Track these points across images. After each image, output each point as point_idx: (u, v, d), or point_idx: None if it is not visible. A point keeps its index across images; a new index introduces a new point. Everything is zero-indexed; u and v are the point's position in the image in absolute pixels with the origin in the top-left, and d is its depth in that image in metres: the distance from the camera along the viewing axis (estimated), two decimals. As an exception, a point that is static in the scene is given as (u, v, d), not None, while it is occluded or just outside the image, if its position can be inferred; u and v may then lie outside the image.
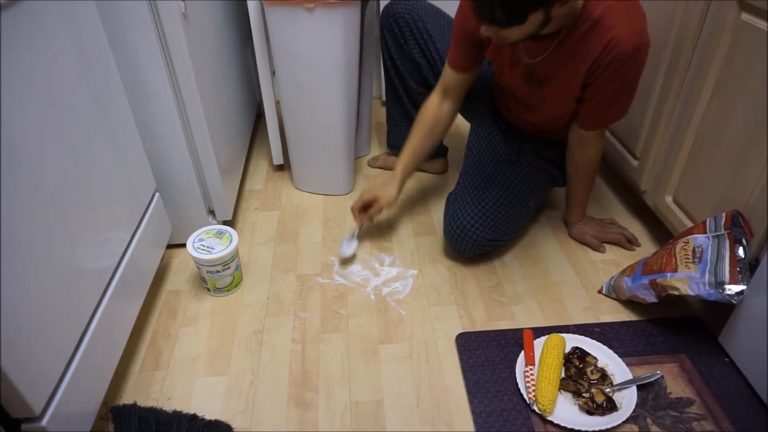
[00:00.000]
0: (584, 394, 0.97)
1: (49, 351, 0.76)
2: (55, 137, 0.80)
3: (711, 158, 1.09)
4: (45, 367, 0.75)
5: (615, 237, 1.36)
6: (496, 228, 1.24)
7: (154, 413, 0.94)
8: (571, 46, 1.05)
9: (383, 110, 1.65)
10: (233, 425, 0.96)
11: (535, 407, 0.95)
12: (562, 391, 0.99)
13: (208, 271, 1.18)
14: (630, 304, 1.19)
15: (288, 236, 1.43)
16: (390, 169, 1.69)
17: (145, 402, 0.99)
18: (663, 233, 1.33)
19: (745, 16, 0.97)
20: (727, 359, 1.04)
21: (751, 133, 0.98)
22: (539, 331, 1.10)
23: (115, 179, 0.99)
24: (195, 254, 1.16)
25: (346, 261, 1.32)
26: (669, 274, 1.05)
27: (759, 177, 0.97)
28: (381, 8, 1.49)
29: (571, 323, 1.14)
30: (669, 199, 1.24)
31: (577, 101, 1.15)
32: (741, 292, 0.96)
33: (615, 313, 1.17)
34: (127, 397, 1.01)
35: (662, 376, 1.01)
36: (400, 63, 1.46)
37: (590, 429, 0.92)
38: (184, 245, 1.20)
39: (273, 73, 1.47)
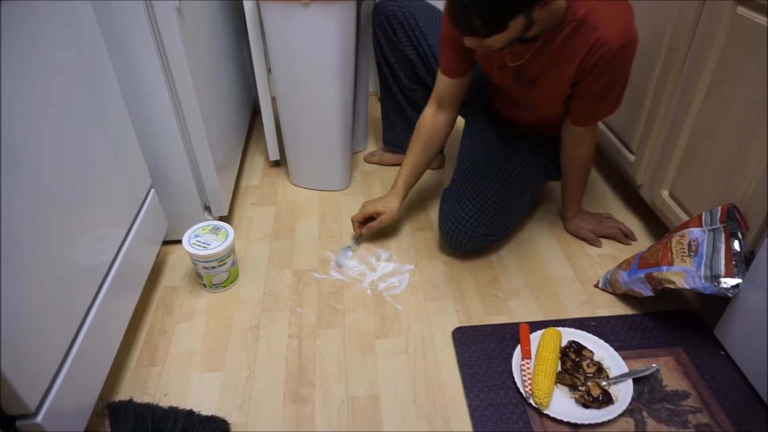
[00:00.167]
0: (580, 388, 0.97)
1: (44, 347, 0.76)
2: (52, 135, 0.80)
3: (707, 152, 1.09)
4: (40, 363, 0.74)
5: (611, 231, 1.36)
6: (491, 223, 1.24)
7: (151, 409, 0.94)
8: (557, 47, 1.05)
9: (380, 106, 1.64)
10: (230, 421, 0.96)
11: (531, 401, 0.96)
12: (558, 384, 0.99)
13: (204, 267, 1.18)
14: (626, 298, 1.19)
15: (284, 232, 1.43)
16: (386, 165, 1.69)
17: (141, 398, 0.99)
18: (659, 227, 1.33)
19: (741, 10, 0.97)
20: (723, 352, 1.04)
21: (747, 127, 0.98)
22: (535, 326, 1.10)
23: (110, 175, 0.99)
24: (191, 250, 1.16)
25: (341, 267, 1.31)
26: (665, 268, 1.05)
27: (755, 170, 0.97)
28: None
29: (567, 317, 1.15)
30: (665, 194, 1.24)
31: (568, 99, 1.15)
32: (736, 286, 0.96)
33: (611, 307, 1.18)
34: (123, 394, 1.01)
35: (658, 370, 1.01)
36: (393, 61, 1.45)
37: (586, 422, 0.92)
38: (180, 241, 1.19)
39: (269, 70, 1.46)
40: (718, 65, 1.04)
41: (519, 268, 1.28)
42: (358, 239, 1.36)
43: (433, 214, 1.47)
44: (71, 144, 0.85)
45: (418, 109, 1.34)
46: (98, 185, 0.94)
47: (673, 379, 1.00)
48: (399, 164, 1.36)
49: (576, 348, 1.04)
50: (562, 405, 0.96)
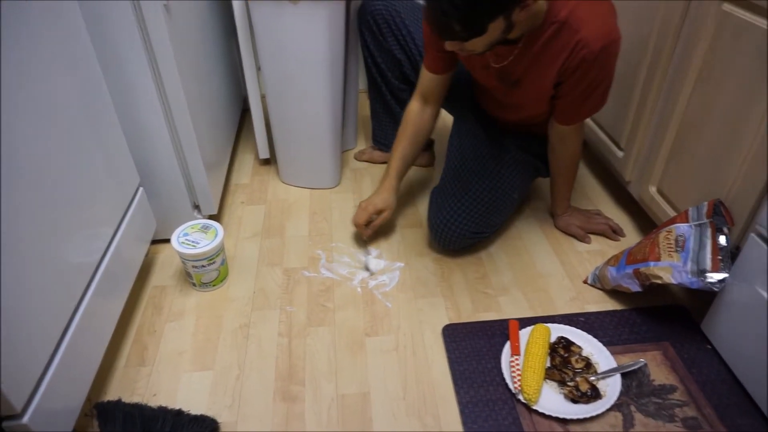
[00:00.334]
0: (569, 383, 0.98)
1: (31, 347, 0.75)
2: (39, 134, 0.80)
3: (693, 149, 1.10)
4: (26, 363, 0.74)
5: (600, 227, 1.37)
6: (480, 221, 1.24)
7: (139, 409, 0.94)
8: (539, 49, 1.05)
9: (369, 104, 1.64)
10: (219, 420, 0.95)
11: (520, 397, 0.96)
12: (547, 380, 0.99)
13: (193, 266, 1.18)
14: (615, 293, 1.20)
15: (274, 230, 1.42)
16: (376, 163, 1.69)
17: (130, 398, 0.99)
18: (647, 223, 1.34)
19: (727, 6, 0.98)
20: (709, 346, 1.05)
21: (733, 123, 0.99)
22: (525, 322, 1.11)
23: (98, 174, 0.98)
24: (180, 249, 1.15)
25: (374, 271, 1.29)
26: (652, 263, 1.06)
27: (740, 166, 0.98)
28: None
29: (556, 313, 1.15)
30: (653, 190, 1.25)
31: (553, 99, 1.16)
32: (722, 280, 0.97)
33: (600, 303, 1.18)
34: (111, 394, 1.01)
35: (646, 364, 1.02)
36: (380, 60, 1.45)
37: (575, 417, 0.93)
38: (169, 240, 1.19)
39: (258, 68, 1.46)
40: (704, 62, 1.05)
41: (508, 265, 1.29)
42: (368, 242, 1.35)
43: (423, 211, 1.47)
44: (58, 143, 0.85)
45: (407, 108, 1.34)
46: (85, 184, 0.93)
47: (660, 374, 1.01)
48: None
49: (565, 344, 1.05)
50: (551, 400, 0.96)
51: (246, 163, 1.72)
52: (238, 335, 1.12)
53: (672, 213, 1.17)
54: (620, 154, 1.38)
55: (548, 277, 1.26)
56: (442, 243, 1.28)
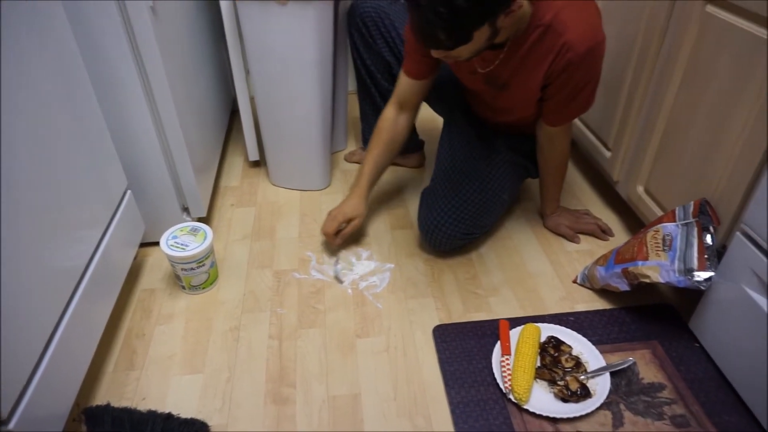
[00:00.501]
0: (559, 382, 0.98)
1: (16, 352, 0.74)
2: (24, 137, 0.79)
3: (680, 149, 1.12)
4: (11, 368, 0.73)
5: (589, 227, 1.38)
6: (470, 222, 1.25)
7: (128, 413, 0.93)
8: (525, 53, 1.05)
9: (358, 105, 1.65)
10: (210, 423, 0.95)
11: (511, 396, 0.96)
12: (537, 379, 1.00)
13: (182, 269, 1.17)
14: (604, 293, 1.21)
15: (264, 232, 1.42)
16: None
17: (119, 402, 0.98)
18: (635, 223, 1.35)
19: (710, 8, 0.99)
20: (697, 344, 1.06)
21: (718, 123, 1.00)
22: (515, 322, 1.11)
23: (84, 177, 0.97)
24: (169, 252, 1.15)
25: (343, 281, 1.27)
26: (640, 263, 1.07)
27: (725, 166, 0.99)
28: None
29: (546, 313, 1.16)
30: (640, 189, 1.26)
31: (540, 101, 1.16)
32: (709, 279, 0.98)
33: (589, 302, 1.19)
34: (100, 398, 1.00)
35: (635, 363, 1.03)
36: (370, 62, 1.45)
37: (565, 416, 0.93)
38: (158, 243, 1.18)
39: (247, 70, 1.45)
40: (689, 63, 1.06)
41: (499, 265, 1.30)
42: (338, 250, 1.34)
43: (413, 212, 1.47)
44: (43, 146, 0.84)
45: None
46: (72, 187, 0.92)
47: (649, 372, 1.02)
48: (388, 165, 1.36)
49: (555, 343, 1.05)
50: (542, 400, 0.97)
51: (235, 165, 1.72)
52: (228, 338, 1.12)
53: (659, 212, 1.19)
54: (608, 154, 1.39)
55: (538, 277, 1.26)
56: (432, 244, 1.28)
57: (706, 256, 0.99)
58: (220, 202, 1.54)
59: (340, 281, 1.26)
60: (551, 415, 0.93)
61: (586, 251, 1.34)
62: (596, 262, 1.22)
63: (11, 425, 0.71)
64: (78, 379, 0.90)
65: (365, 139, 1.67)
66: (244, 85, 1.52)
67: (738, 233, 0.93)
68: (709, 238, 1.00)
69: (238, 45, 1.44)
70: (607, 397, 0.96)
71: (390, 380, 1.03)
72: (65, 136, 0.91)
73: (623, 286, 1.11)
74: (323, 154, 1.53)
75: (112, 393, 1.01)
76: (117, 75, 1.07)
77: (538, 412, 0.94)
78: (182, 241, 1.17)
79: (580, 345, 1.06)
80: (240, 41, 1.43)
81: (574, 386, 0.96)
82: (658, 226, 1.10)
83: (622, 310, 1.16)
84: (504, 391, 0.98)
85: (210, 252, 1.19)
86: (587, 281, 1.22)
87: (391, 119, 1.28)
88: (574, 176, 1.62)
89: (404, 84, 1.24)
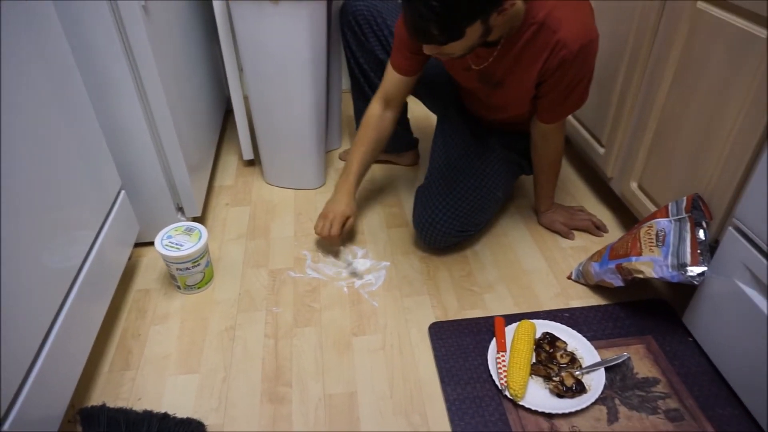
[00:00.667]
0: (554, 378, 0.99)
1: (10, 352, 0.74)
2: (16, 138, 0.78)
3: (672, 145, 1.12)
4: (5, 369, 0.73)
5: (583, 224, 1.38)
6: (465, 220, 1.25)
7: (124, 413, 0.93)
8: (519, 50, 1.06)
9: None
10: (206, 423, 0.95)
11: (507, 393, 0.97)
12: (533, 375, 1.00)
13: (177, 269, 1.17)
14: (598, 288, 1.21)
15: (259, 231, 1.42)
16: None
17: (114, 403, 0.98)
18: (629, 219, 1.36)
19: (701, 5, 1.00)
20: (691, 339, 1.07)
21: (709, 118, 1.00)
22: (510, 318, 1.12)
23: (78, 178, 0.97)
24: (163, 252, 1.14)
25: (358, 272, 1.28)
26: (634, 258, 1.08)
27: (717, 161, 0.99)
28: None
29: (541, 309, 1.16)
30: (634, 185, 1.27)
31: (534, 98, 1.17)
32: (702, 273, 0.98)
33: (584, 298, 1.20)
34: (96, 399, 0.99)
35: (629, 358, 1.03)
36: (363, 61, 1.44)
37: (560, 411, 0.93)
38: (152, 243, 1.18)
39: (241, 69, 1.45)
40: (680, 59, 1.07)
41: (494, 262, 1.30)
42: (338, 250, 1.34)
43: (408, 210, 1.47)
44: (36, 147, 0.84)
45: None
46: (65, 187, 0.92)
47: (643, 367, 1.02)
48: (374, 162, 1.36)
49: (550, 339, 1.06)
50: (537, 396, 0.97)
51: (230, 164, 1.71)
52: (223, 337, 1.12)
53: (653, 208, 1.19)
54: (601, 150, 1.40)
55: (533, 273, 1.27)
56: (427, 241, 1.29)
57: (698, 251, 1.00)
58: (215, 201, 1.54)
59: (358, 276, 1.26)
60: (547, 411, 0.94)
61: (581, 247, 1.34)
62: (590, 258, 1.22)
63: (6, 426, 0.71)
64: (73, 380, 0.90)
65: (360, 137, 1.67)
66: (238, 84, 1.51)
67: (730, 228, 0.94)
68: (701, 233, 1.01)
69: (232, 44, 1.44)
70: (602, 393, 0.96)
71: (386, 378, 1.03)
72: (58, 137, 0.91)
73: (617, 281, 1.12)
74: (318, 153, 1.53)
75: (107, 393, 1.01)
76: (110, 75, 1.07)
77: (533, 408, 0.94)
78: (177, 240, 1.17)
79: (575, 341, 1.07)
80: (233, 40, 1.42)
81: (569, 382, 0.97)
82: (652, 221, 1.11)
83: (616, 305, 1.16)
84: (500, 388, 0.98)
85: (205, 251, 1.19)
86: (582, 277, 1.23)
87: (377, 115, 1.28)
88: (568, 173, 1.63)
89: (391, 79, 1.24)
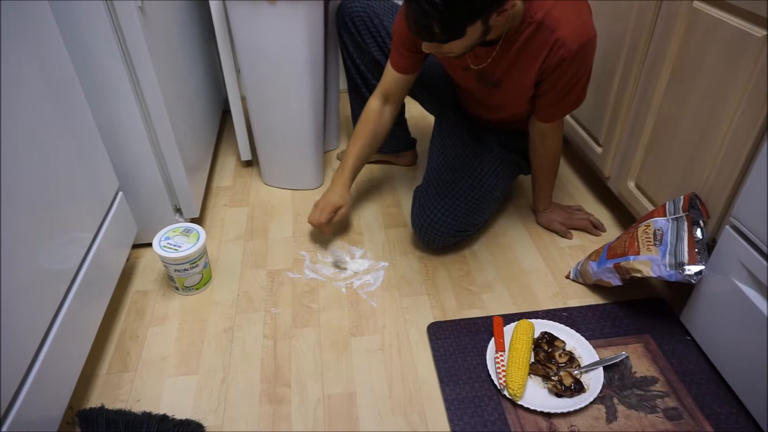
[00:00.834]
0: (553, 378, 0.99)
1: (8, 355, 0.73)
2: (13, 139, 0.78)
3: (669, 144, 1.12)
4: (3, 371, 0.72)
5: (581, 223, 1.38)
6: (463, 220, 1.25)
7: (123, 415, 0.93)
8: (517, 50, 1.06)
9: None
10: (205, 424, 0.95)
11: (505, 392, 0.97)
12: (531, 375, 1.00)
13: (175, 270, 1.17)
14: (596, 288, 1.21)
15: (258, 232, 1.42)
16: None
17: (113, 404, 0.98)
18: (627, 218, 1.36)
19: (697, 4, 1.00)
20: (689, 337, 1.07)
21: (706, 117, 1.01)
22: (509, 318, 1.12)
23: (75, 179, 0.97)
24: (162, 253, 1.14)
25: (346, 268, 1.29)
26: (632, 257, 1.08)
27: (714, 160, 1.00)
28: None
29: (539, 309, 1.16)
30: (631, 185, 1.27)
31: (533, 97, 1.17)
32: (699, 272, 0.99)
33: (582, 298, 1.20)
34: (94, 401, 0.99)
35: (627, 357, 1.04)
36: (360, 62, 1.45)
37: (559, 411, 0.94)
38: (150, 244, 1.18)
39: (238, 70, 1.45)
40: (677, 58, 1.07)
41: (492, 262, 1.30)
42: (329, 242, 1.34)
43: (407, 210, 1.47)
44: (33, 148, 0.83)
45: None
46: (62, 189, 0.92)
47: (642, 366, 1.03)
48: (372, 162, 1.36)
49: (548, 339, 1.06)
50: (536, 395, 0.97)
51: (228, 165, 1.71)
52: (222, 338, 1.11)
53: (650, 207, 1.19)
54: (599, 150, 1.40)
55: (531, 273, 1.27)
56: (426, 242, 1.29)
57: (696, 250, 1.00)
58: (213, 202, 1.54)
59: (341, 268, 1.26)
60: (546, 410, 0.94)
61: (579, 247, 1.35)
62: (588, 258, 1.23)
63: (4, 428, 0.71)
64: (71, 382, 0.90)
65: (357, 138, 1.67)
66: (235, 84, 1.51)
67: (727, 227, 0.94)
68: (699, 232, 1.01)
69: (229, 44, 1.44)
70: (601, 392, 0.96)
71: (385, 378, 1.03)
72: (55, 138, 0.91)
73: (615, 281, 1.12)
74: (315, 153, 1.53)
75: (106, 395, 1.00)
76: (106, 76, 1.07)
77: (532, 408, 0.94)
78: (175, 242, 1.16)
79: (573, 340, 1.07)
80: (230, 41, 1.42)
81: (567, 381, 0.97)
82: (649, 220, 1.11)
83: (614, 304, 1.16)
84: (498, 387, 0.98)
85: (203, 252, 1.19)
86: (580, 277, 1.23)
87: (376, 111, 1.29)
88: (566, 172, 1.63)
89: (390, 77, 1.25)
